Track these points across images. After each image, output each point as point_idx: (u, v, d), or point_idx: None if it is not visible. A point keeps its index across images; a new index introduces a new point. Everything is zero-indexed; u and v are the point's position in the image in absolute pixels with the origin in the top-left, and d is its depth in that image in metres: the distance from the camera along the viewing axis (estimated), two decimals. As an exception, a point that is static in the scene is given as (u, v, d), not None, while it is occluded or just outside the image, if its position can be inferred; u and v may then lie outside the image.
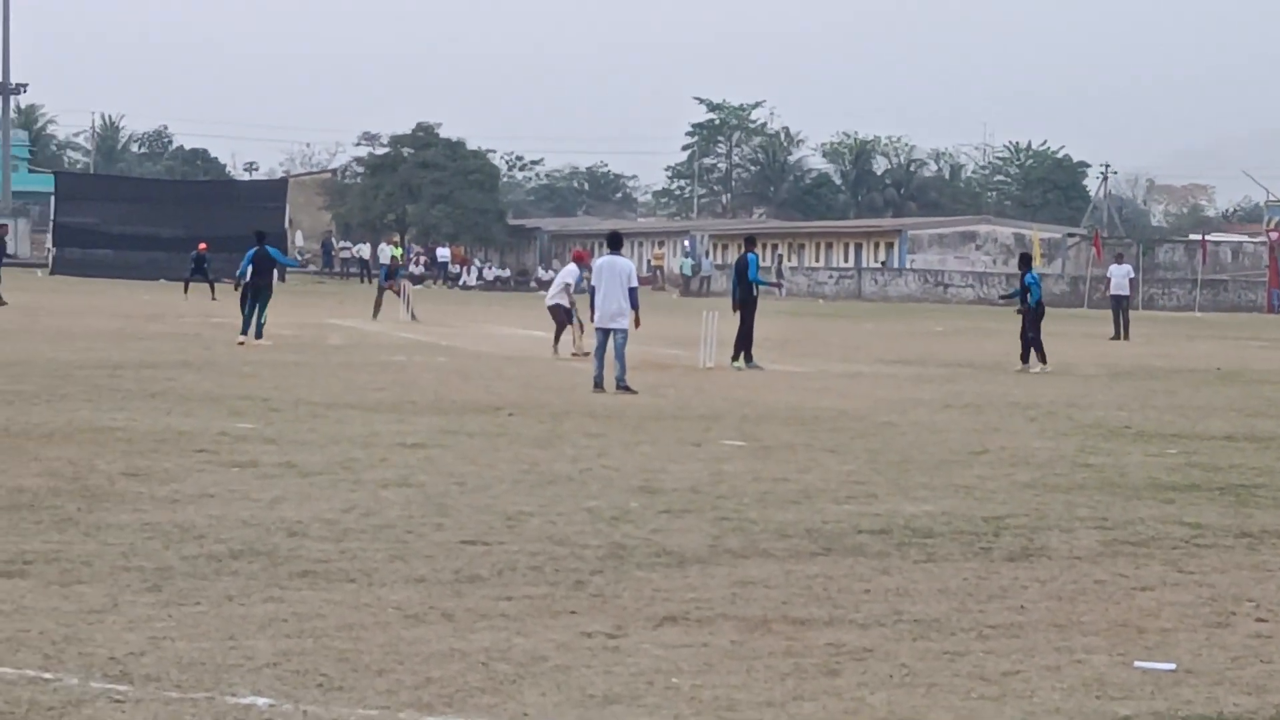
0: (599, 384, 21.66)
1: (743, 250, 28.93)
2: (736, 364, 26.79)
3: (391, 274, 45.01)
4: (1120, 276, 43.87)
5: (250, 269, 30.19)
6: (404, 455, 14.53)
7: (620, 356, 21.73)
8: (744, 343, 27.06)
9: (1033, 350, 28.56)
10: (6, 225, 45.63)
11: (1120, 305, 42.77)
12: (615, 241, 23.18)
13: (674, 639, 8.07)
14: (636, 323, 22.17)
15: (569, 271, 29.97)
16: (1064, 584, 9.71)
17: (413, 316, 41.90)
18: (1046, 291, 36.20)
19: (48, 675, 7.11)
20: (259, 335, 29.37)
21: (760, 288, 28.12)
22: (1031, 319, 28.84)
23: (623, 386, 21.50)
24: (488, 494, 12.44)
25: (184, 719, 6.58)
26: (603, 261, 22.63)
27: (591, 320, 22.99)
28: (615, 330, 21.91)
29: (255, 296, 29.69)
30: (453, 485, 12.82)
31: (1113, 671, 7.69)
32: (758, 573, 9.76)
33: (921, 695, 7.20)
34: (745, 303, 27.38)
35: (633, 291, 22.10)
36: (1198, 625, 8.75)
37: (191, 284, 51.65)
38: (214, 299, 48.83)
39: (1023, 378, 26.71)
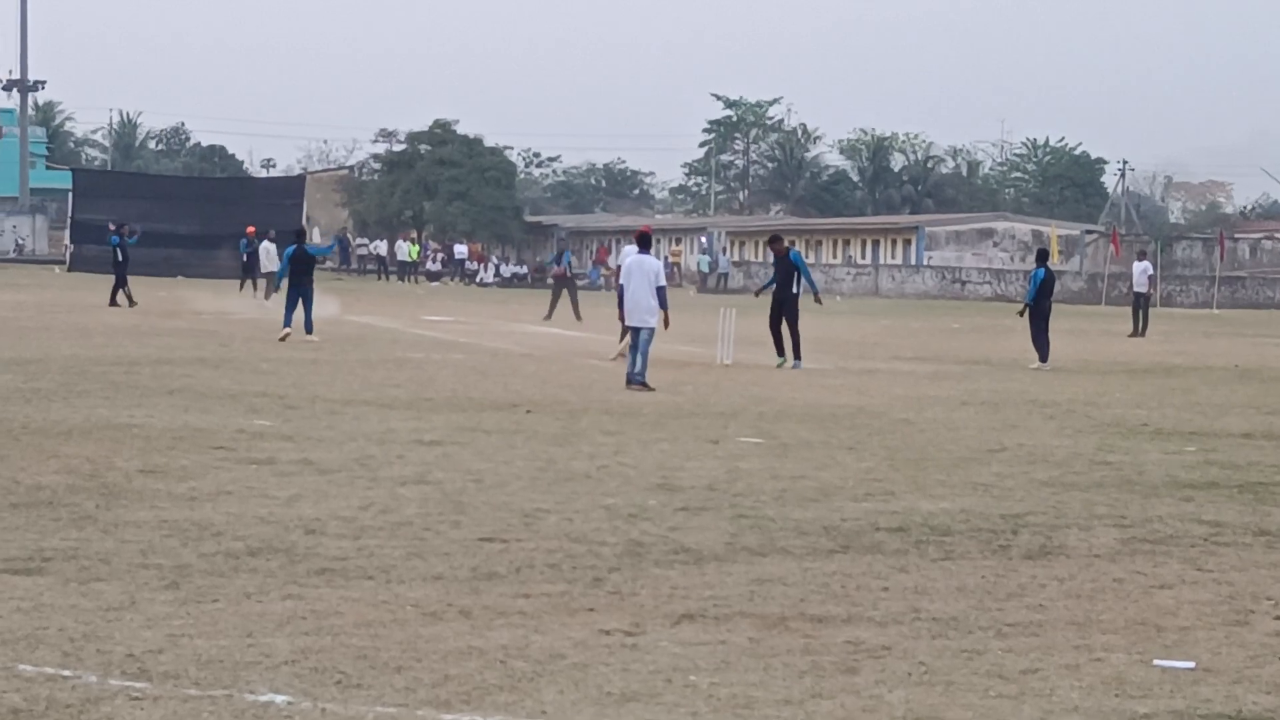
0: (634, 380, 21.65)
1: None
2: (793, 363, 26.57)
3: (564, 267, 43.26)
4: (1140, 274, 43.91)
5: (289, 268, 30.47)
6: (421, 453, 14.54)
7: (644, 353, 21.76)
8: (791, 340, 26.81)
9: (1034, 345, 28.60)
10: (126, 226, 45.01)
11: (1139, 303, 42.81)
12: (644, 241, 23.21)
13: (692, 636, 8.07)
14: (666, 322, 22.22)
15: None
16: (1082, 582, 9.69)
17: (576, 317, 40.45)
18: (1064, 288, 36.08)
19: (66, 672, 7.11)
20: (309, 330, 29.67)
21: (768, 287, 28.03)
22: (1030, 315, 28.85)
23: (640, 382, 21.50)
24: (505, 491, 12.44)
25: (202, 716, 6.59)
26: (631, 260, 22.73)
27: (620, 319, 23.12)
28: (642, 328, 21.97)
29: (300, 296, 29.91)
30: (470, 483, 12.82)
31: (1131, 670, 7.68)
32: (775, 570, 9.75)
33: (940, 693, 7.19)
34: (782, 301, 27.19)
35: (661, 290, 22.17)
36: (1217, 623, 8.73)
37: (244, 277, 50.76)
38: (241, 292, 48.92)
39: (1040, 375, 26.66)
